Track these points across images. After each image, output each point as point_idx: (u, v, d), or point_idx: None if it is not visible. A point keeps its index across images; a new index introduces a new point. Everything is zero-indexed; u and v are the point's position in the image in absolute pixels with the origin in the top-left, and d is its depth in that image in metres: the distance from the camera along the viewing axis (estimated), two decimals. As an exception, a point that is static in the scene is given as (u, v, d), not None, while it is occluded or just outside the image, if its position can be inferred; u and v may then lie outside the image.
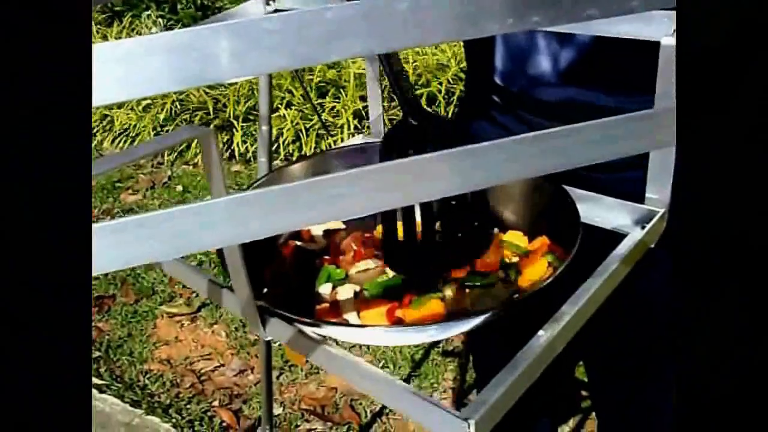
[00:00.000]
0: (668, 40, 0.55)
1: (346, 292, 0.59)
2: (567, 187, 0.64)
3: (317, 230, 0.69)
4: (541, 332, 0.49)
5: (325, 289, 0.61)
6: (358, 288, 0.60)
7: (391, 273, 0.61)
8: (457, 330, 0.55)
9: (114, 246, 0.30)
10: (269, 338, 0.54)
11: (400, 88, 0.56)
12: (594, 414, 1.51)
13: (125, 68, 0.26)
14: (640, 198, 0.63)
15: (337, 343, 0.53)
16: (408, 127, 0.57)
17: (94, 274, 0.30)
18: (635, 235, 0.60)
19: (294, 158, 2.64)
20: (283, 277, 0.64)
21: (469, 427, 0.41)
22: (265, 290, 0.60)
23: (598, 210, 0.65)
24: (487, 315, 0.52)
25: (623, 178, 0.66)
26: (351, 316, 0.57)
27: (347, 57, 0.28)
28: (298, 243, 0.67)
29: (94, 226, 0.29)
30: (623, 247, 0.59)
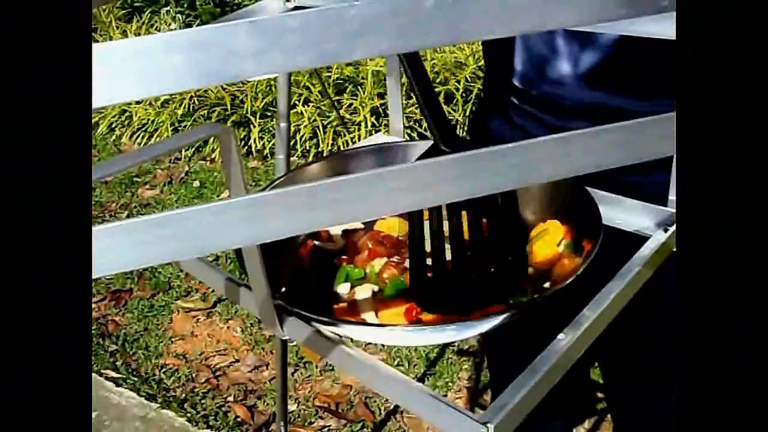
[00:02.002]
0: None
1: (364, 291, 0.59)
2: (590, 189, 0.63)
3: (336, 230, 0.68)
4: (561, 336, 0.48)
5: (343, 288, 0.61)
6: (376, 288, 0.60)
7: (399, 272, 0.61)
8: (475, 330, 0.54)
9: (132, 246, 0.30)
10: (286, 337, 0.54)
11: (431, 111, 0.54)
12: (609, 416, 1.50)
13: (145, 65, 0.26)
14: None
15: (351, 341, 0.52)
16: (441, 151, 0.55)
17: (111, 273, 0.30)
18: (658, 237, 0.59)
19: (311, 155, 2.64)
20: (301, 276, 0.63)
21: (488, 432, 0.41)
22: (283, 289, 0.60)
23: (620, 212, 0.64)
24: (506, 315, 0.51)
25: (654, 182, 0.64)
26: (369, 316, 0.56)
27: (371, 56, 0.28)
28: (316, 242, 0.66)
29: (112, 225, 0.29)
30: (645, 250, 0.58)
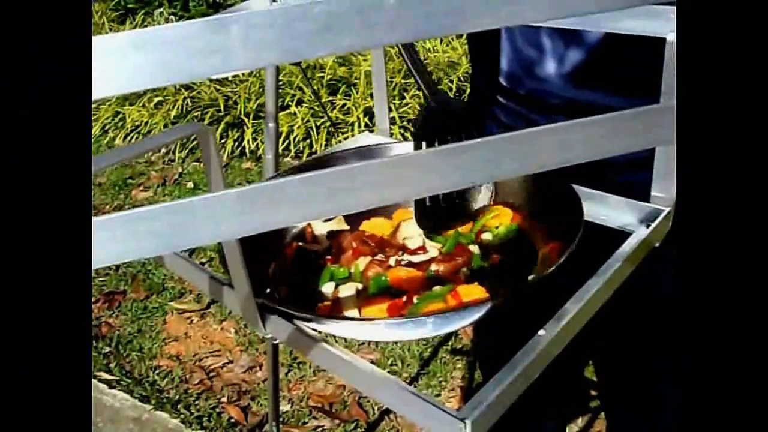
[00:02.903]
0: (674, 36, 0.54)
1: (347, 290, 0.59)
2: (574, 185, 0.63)
3: (321, 231, 0.68)
4: (541, 332, 0.49)
5: (327, 288, 0.61)
6: (360, 286, 0.60)
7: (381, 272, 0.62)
8: (457, 324, 0.54)
9: (111, 240, 0.30)
10: (269, 336, 0.54)
11: (421, 74, 0.61)
12: (603, 414, 1.50)
13: (109, 63, 0.26)
14: None
15: (335, 340, 0.53)
16: (436, 114, 0.62)
17: (95, 267, 0.30)
18: (640, 233, 0.60)
19: (305, 155, 2.64)
20: (286, 277, 0.64)
21: (465, 428, 0.41)
22: (268, 290, 0.60)
23: (604, 208, 0.64)
24: (487, 307, 0.51)
25: (644, 181, 0.64)
26: (352, 314, 0.56)
27: (337, 52, 0.28)
28: (301, 244, 0.67)
29: (95, 219, 0.29)
30: (627, 246, 0.58)
